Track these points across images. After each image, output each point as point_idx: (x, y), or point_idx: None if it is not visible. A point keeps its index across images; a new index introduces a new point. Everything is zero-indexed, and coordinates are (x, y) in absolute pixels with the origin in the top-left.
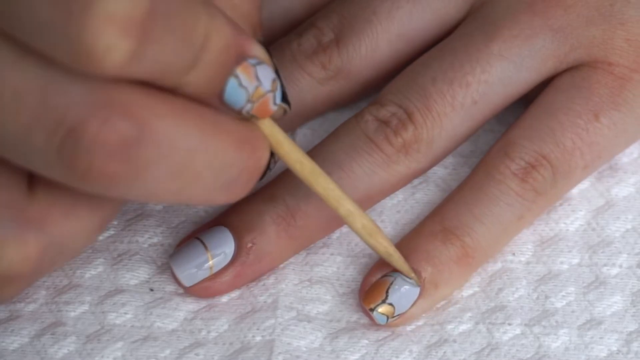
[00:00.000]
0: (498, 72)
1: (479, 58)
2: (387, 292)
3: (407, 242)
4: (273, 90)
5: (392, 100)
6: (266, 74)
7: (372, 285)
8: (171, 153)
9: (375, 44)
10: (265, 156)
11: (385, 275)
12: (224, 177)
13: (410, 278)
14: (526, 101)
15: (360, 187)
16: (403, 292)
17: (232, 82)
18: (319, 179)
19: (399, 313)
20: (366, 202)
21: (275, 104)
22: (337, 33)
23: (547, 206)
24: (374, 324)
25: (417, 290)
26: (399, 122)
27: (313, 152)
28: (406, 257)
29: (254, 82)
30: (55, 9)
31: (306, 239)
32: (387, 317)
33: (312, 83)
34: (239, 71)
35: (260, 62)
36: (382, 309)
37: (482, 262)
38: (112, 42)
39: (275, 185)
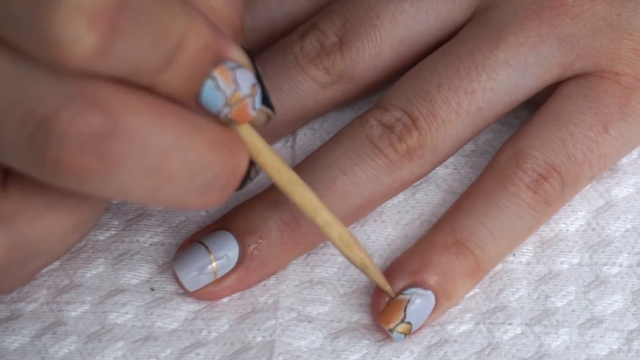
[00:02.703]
0: (503, 79)
1: (485, 65)
2: (405, 311)
3: (419, 254)
4: (252, 95)
5: (396, 105)
6: (245, 78)
7: (388, 304)
8: (145, 150)
9: (379, 48)
10: (244, 161)
11: (401, 294)
12: (200, 179)
13: (386, 292)
14: (527, 102)
15: (364, 193)
16: (419, 309)
17: (208, 84)
18: (296, 187)
19: (415, 329)
20: (368, 207)
21: (254, 109)
22: (340, 37)
23: (552, 215)
24: (374, 324)
25: (432, 304)
26: (404, 127)
27: (316, 155)
28: (419, 270)
29: (232, 85)
30: None
31: (310, 244)
32: (405, 335)
33: (315, 87)
34: (217, 74)
35: (239, 66)
36: (401, 328)
37: (489, 271)
38: (78, 34)
39: (279, 192)
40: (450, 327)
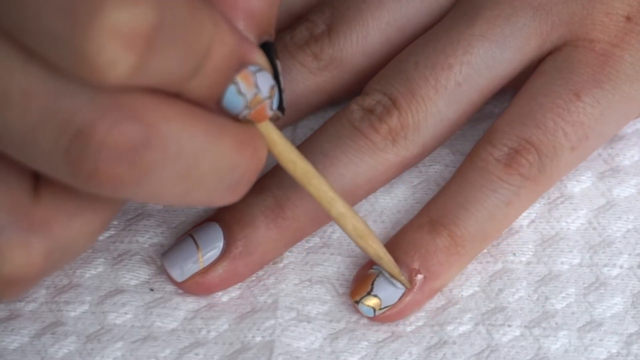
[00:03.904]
0: (480, 53)
1: (461, 40)
2: (372, 284)
3: (394, 238)
4: (271, 97)
5: (376, 89)
6: (265, 81)
7: (358, 281)
8: (178, 156)
9: (366, 31)
10: (264, 156)
11: (371, 269)
12: (227, 179)
13: (400, 282)
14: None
15: (347, 175)
16: (389, 284)
17: (231, 89)
18: (312, 180)
19: (386, 305)
20: (356, 192)
21: (272, 109)
22: (328, 24)
23: (539, 191)
24: (374, 324)
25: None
26: (384, 109)
27: (301, 145)
28: (394, 250)
29: (253, 89)
30: (60, 18)
31: (297, 230)
32: (374, 310)
33: (305, 73)
34: (239, 79)
35: (260, 69)
36: (368, 301)
37: (475, 252)
38: (115, 56)
39: (264, 178)
40: (449, 327)
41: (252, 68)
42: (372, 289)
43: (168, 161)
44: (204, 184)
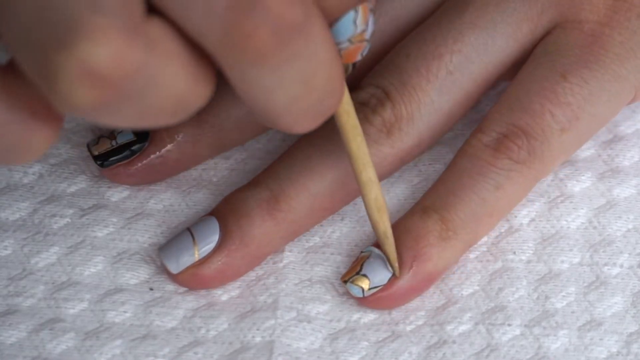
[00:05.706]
0: (471, 40)
1: (451, 29)
2: (361, 265)
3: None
4: (369, 42)
5: (370, 83)
6: (373, 23)
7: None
8: (312, 57)
9: None
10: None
11: (362, 252)
12: (324, 104)
13: (392, 268)
14: None
15: (341, 167)
16: (377, 262)
17: (350, 15)
18: (357, 137)
19: (375, 286)
20: (351, 186)
21: (362, 55)
22: None
23: (533, 175)
24: (374, 324)
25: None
26: (377, 101)
27: (296, 142)
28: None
29: (364, 25)
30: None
31: (292, 223)
32: (363, 290)
33: None
34: (360, 8)
35: (373, 10)
36: (357, 281)
37: (468, 237)
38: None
39: (260, 174)
40: (449, 327)
41: (369, 5)
42: (361, 269)
43: (305, 56)
44: (311, 97)
